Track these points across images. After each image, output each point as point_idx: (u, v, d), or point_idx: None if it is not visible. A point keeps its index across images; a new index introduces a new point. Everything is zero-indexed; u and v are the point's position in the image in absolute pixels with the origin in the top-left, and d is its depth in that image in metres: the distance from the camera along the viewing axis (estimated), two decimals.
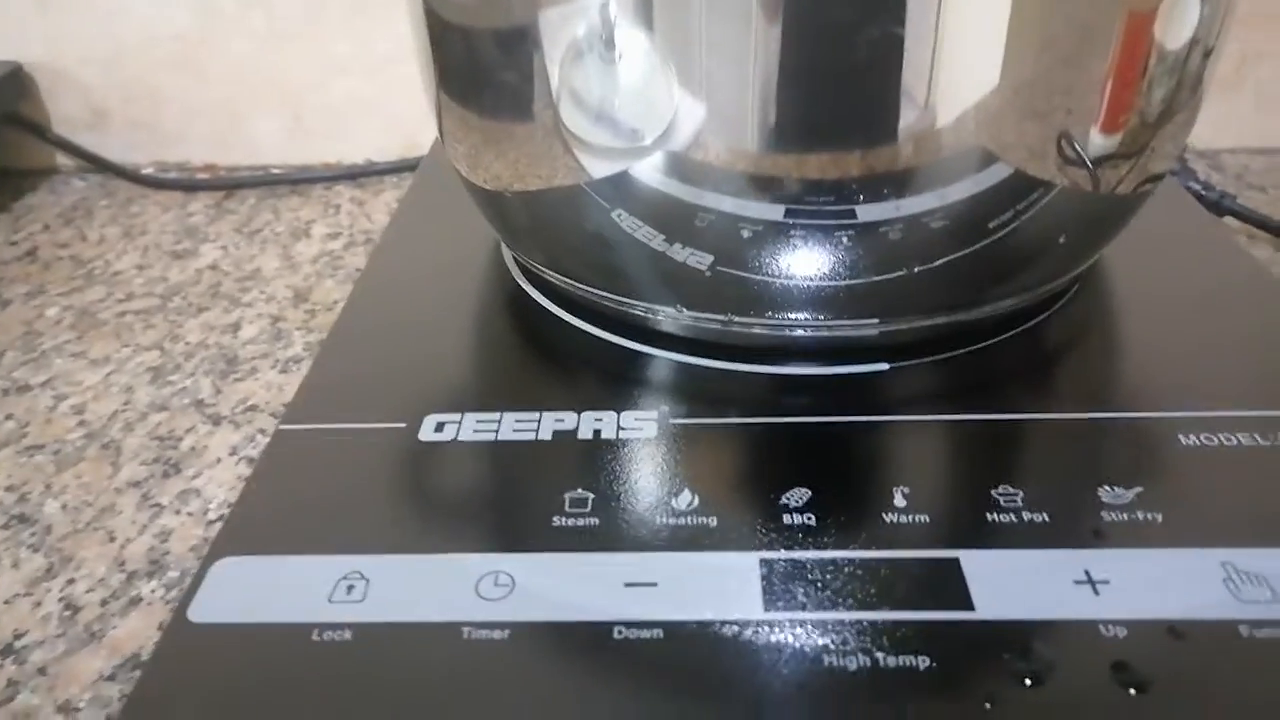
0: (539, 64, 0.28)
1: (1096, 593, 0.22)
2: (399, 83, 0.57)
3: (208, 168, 0.61)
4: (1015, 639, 0.21)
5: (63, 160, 0.61)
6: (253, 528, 0.25)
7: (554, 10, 0.27)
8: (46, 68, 0.59)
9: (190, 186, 0.59)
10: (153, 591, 0.30)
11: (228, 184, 0.59)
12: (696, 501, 0.25)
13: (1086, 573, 0.23)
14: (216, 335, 0.44)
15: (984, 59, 0.26)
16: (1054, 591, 0.22)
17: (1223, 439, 0.27)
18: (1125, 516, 0.24)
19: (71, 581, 0.30)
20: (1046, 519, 0.24)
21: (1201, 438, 0.27)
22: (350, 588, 0.23)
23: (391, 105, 0.58)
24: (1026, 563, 0.23)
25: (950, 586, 0.22)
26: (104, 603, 0.29)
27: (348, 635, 0.22)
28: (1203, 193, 0.48)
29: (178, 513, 0.33)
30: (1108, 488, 0.25)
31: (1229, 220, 0.48)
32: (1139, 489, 0.25)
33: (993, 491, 0.25)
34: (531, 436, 0.28)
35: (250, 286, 0.48)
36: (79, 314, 0.46)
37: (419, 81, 0.34)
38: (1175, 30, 0.27)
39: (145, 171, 0.60)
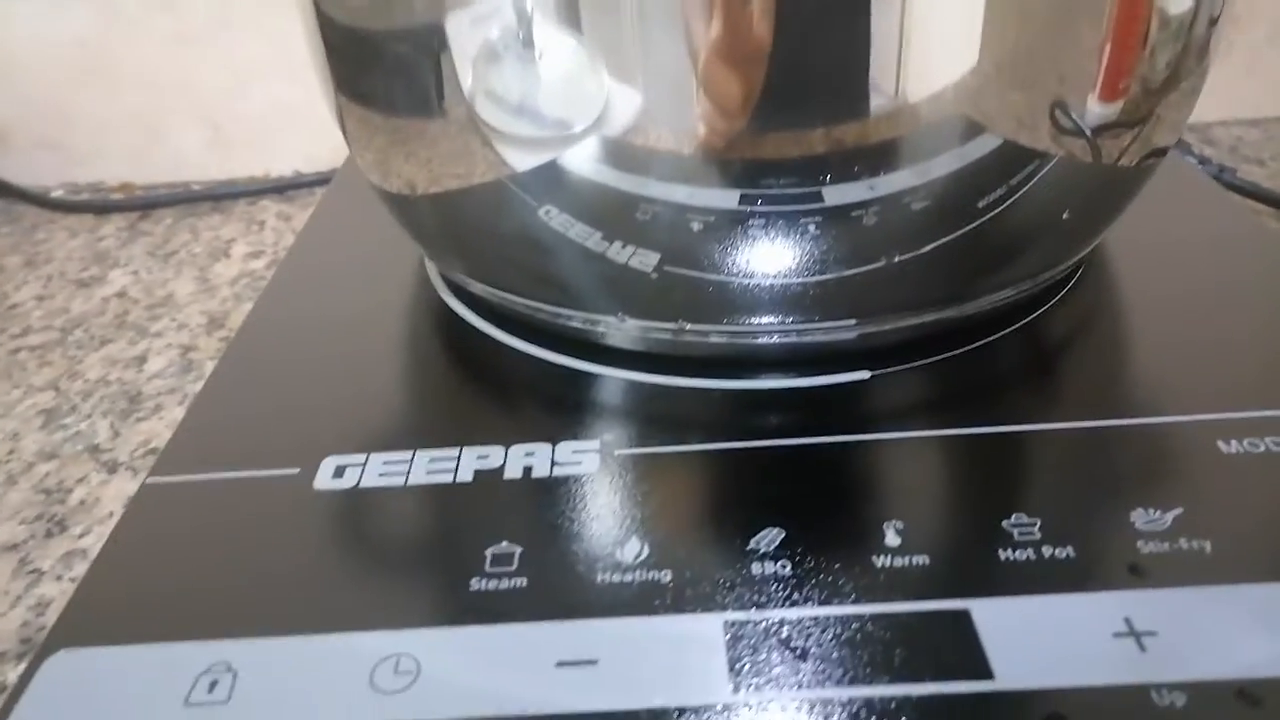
0: (447, 58, 0.24)
1: (1142, 648, 0.18)
2: None
3: (123, 187, 0.56)
4: (1047, 713, 0.17)
5: None
6: (99, 611, 0.21)
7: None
8: None
9: (102, 208, 0.54)
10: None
11: (143, 204, 0.54)
12: (646, 551, 0.21)
13: (1128, 622, 0.18)
14: (119, 370, 0.39)
15: (963, 16, 0.22)
16: (1090, 649, 0.18)
17: (1271, 444, 0.23)
18: (1166, 546, 0.20)
19: None
20: (1071, 554, 0.20)
21: (1245, 444, 0.23)
22: (213, 684, 0.18)
23: (318, 110, 0.54)
24: (1052, 612, 0.19)
25: (961, 648, 0.18)
26: None
27: None
28: (1199, 168, 0.44)
29: (59, 579, 0.29)
30: (1141, 511, 0.21)
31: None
32: (1178, 511, 0.21)
33: (1004, 523, 0.21)
34: (449, 479, 0.23)
35: (161, 314, 0.43)
36: None
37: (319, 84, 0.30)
38: None
39: (55, 194, 0.56)
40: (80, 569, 0.29)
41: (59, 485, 0.33)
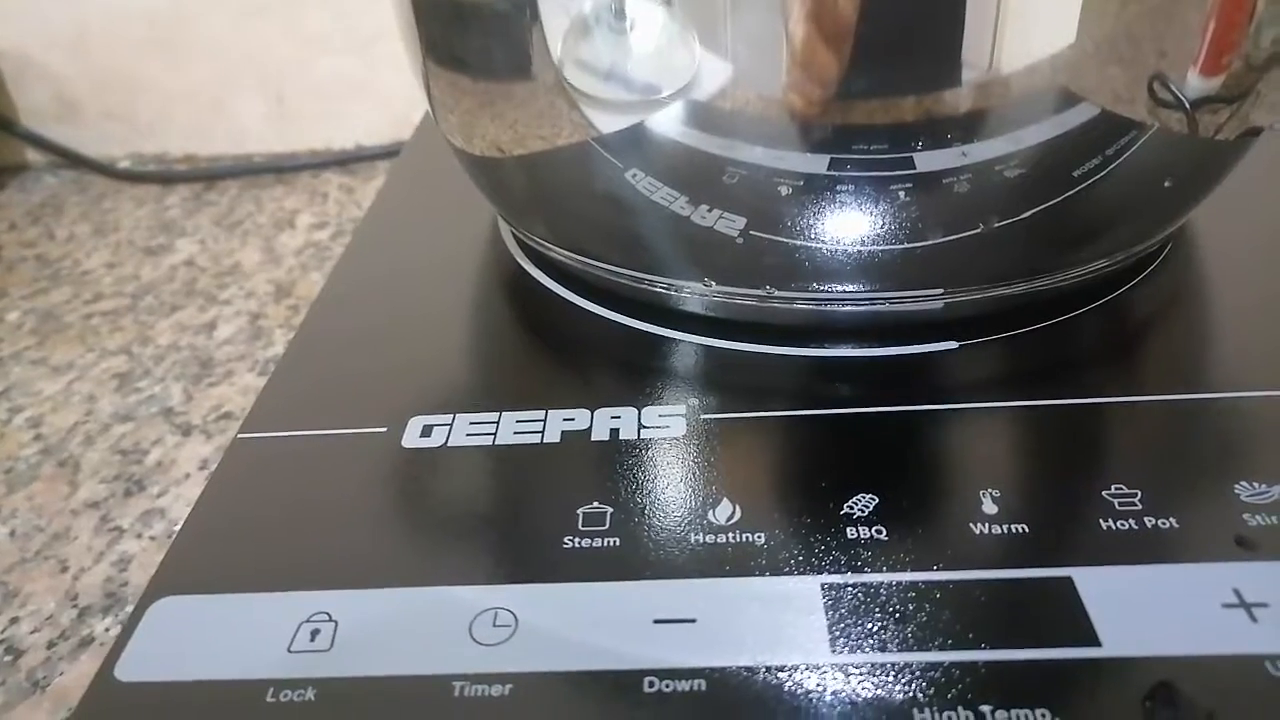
0: (538, 17, 0.24)
1: (1254, 618, 0.17)
2: (387, 59, 0.53)
3: (187, 158, 0.57)
4: (1156, 682, 0.17)
5: (33, 155, 0.57)
6: (200, 559, 0.21)
7: None
8: (9, 55, 0.55)
9: (168, 179, 0.54)
10: (107, 630, 0.26)
11: (207, 174, 0.55)
12: (739, 514, 0.21)
13: (1237, 593, 0.18)
14: (190, 336, 0.40)
15: None
16: (1199, 618, 0.18)
17: None
18: (1274, 519, 0.20)
19: (15, 620, 0.26)
20: (1175, 525, 0.20)
21: None
22: (315, 633, 0.19)
23: (381, 83, 0.54)
24: (1158, 582, 0.18)
25: (1066, 615, 0.18)
26: (51, 645, 0.25)
27: (311, 695, 0.18)
28: None
29: (139, 536, 0.29)
30: (1245, 484, 0.20)
31: None
32: None
33: (1104, 493, 0.20)
34: (536, 439, 0.23)
35: (228, 282, 0.44)
36: (42, 317, 0.42)
37: (403, 50, 0.30)
38: None
39: (121, 165, 0.56)
40: (159, 528, 0.29)
41: (135, 446, 0.33)
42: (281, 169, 0.54)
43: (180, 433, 0.34)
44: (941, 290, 0.26)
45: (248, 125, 0.56)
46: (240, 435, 0.24)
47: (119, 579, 0.28)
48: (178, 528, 0.29)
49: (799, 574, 0.19)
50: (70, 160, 0.56)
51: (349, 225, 0.48)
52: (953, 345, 0.26)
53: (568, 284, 0.30)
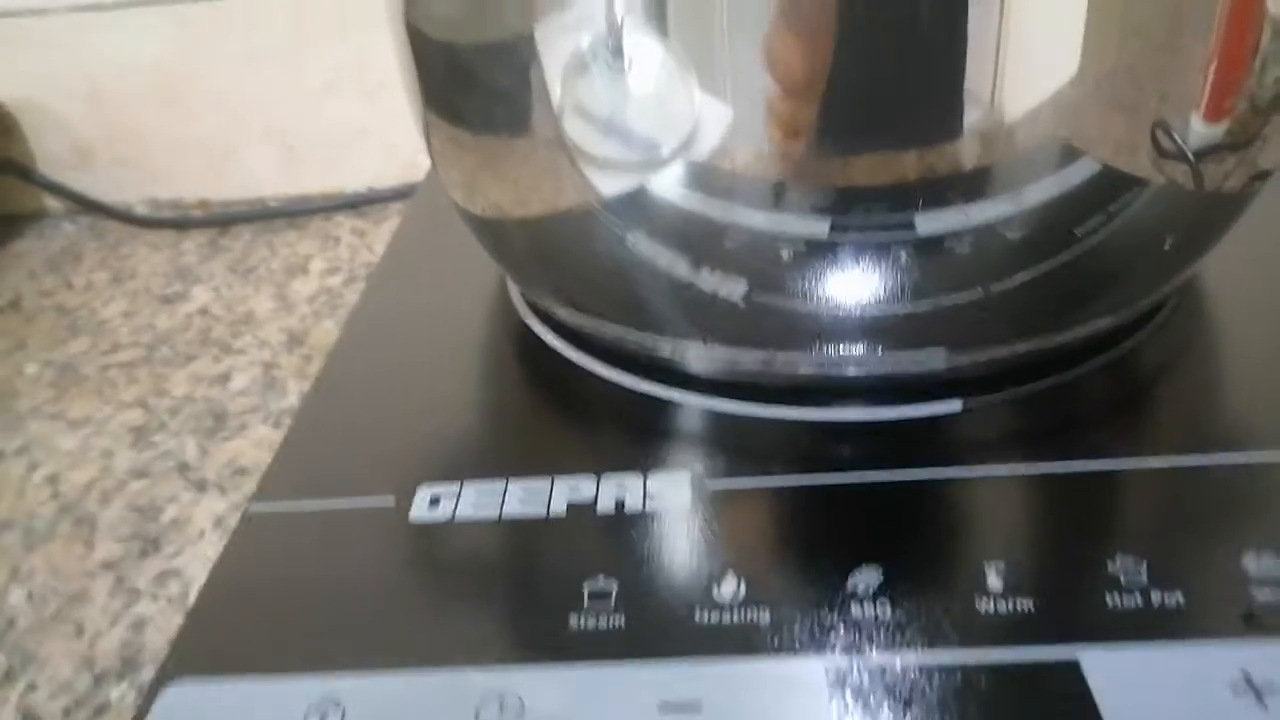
0: (537, 74, 0.24)
1: (1263, 704, 0.17)
2: (396, 103, 0.53)
3: (201, 204, 0.58)
4: None
5: (51, 203, 0.58)
6: (212, 640, 0.21)
7: (552, 17, 0.23)
8: (27, 105, 0.56)
9: (183, 224, 0.55)
10: (122, 697, 0.26)
11: (222, 220, 0.55)
12: (743, 590, 0.21)
13: (1245, 675, 0.18)
14: (204, 388, 0.40)
15: (1062, 35, 0.21)
16: (1207, 703, 0.17)
17: None
18: None
19: (33, 687, 0.27)
20: (1182, 601, 0.19)
21: None
22: (323, 719, 0.19)
23: (389, 128, 0.54)
24: (1165, 663, 0.18)
25: (1073, 700, 0.18)
26: (67, 712, 0.26)
27: None
28: None
29: (155, 598, 0.29)
30: (1254, 555, 0.20)
31: None
32: None
33: (1110, 565, 0.20)
34: (542, 512, 0.23)
35: (242, 331, 0.44)
36: (60, 370, 0.42)
37: (407, 101, 0.31)
38: None
39: (137, 211, 0.57)
40: (174, 589, 0.30)
41: (150, 504, 0.33)
42: (294, 213, 0.55)
43: (195, 489, 0.34)
44: (945, 350, 0.26)
45: (260, 171, 0.57)
46: (251, 509, 0.25)
47: (135, 643, 0.28)
48: (193, 589, 0.29)
49: (804, 654, 0.19)
50: (87, 207, 0.57)
51: (361, 270, 0.48)
52: (957, 405, 0.26)
53: (573, 341, 0.30)
